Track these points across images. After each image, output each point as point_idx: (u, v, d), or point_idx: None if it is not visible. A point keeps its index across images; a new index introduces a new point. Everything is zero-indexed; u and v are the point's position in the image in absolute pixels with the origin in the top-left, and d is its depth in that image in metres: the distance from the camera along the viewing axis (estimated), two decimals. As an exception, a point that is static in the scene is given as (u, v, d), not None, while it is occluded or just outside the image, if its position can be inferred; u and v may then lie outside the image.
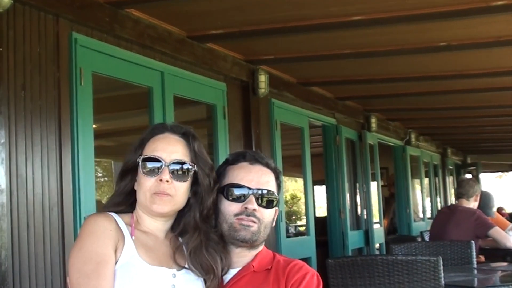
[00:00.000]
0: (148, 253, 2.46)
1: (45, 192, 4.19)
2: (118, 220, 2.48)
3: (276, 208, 2.82)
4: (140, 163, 2.51)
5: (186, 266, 2.56)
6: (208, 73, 6.33)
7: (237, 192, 2.70)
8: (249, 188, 2.70)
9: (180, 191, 2.54)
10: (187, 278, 2.53)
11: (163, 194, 2.50)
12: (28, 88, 4.14)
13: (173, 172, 2.51)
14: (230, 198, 2.70)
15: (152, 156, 2.51)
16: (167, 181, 2.49)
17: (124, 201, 2.59)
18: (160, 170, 2.49)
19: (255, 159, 2.79)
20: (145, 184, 2.50)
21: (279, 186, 2.84)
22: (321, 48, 6.69)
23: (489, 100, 10.07)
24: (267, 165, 2.81)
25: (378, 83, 8.58)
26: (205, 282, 2.57)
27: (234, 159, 2.81)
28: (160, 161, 2.50)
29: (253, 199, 2.69)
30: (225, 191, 2.72)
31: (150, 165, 2.50)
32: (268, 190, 2.74)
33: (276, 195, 2.79)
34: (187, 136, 2.61)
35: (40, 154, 4.17)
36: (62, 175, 4.33)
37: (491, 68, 7.61)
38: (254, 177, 2.74)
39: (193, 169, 2.56)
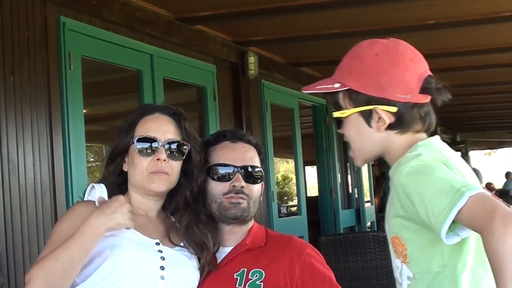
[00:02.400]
0: (139, 229, 2.49)
1: (37, 176, 4.19)
2: (104, 195, 2.50)
3: (262, 182, 2.84)
4: (135, 144, 2.53)
5: (181, 244, 2.59)
6: (198, 55, 6.33)
7: (223, 171, 2.72)
8: (235, 166, 2.72)
9: (175, 169, 2.58)
10: (180, 257, 2.55)
11: (161, 173, 2.53)
12: (17, 73, 4.12)
13: (169, 151, 2.55)
14: (217, 178, 2.72)
15: (147, 136, 2.53)
16: (164, 160, 2.52)
17: (113, 182, 2.62)
18: (156, 150, 2.52)
19: (237, 137, 2.81)
20: (141, 164, 2.52)
21: (262, 161, 2.85)
22: (310, 28, 6.69)
23: (478, 77, 10.11)
24: (249, 142, 2.83)
25: (367, 62, 8.57)
26: (199, 260, 2.60)
27: (215, 139, 2.82)
28: (156, 141, 2.53)
29: (240, 176, 2.71)
30: (211, 171, 2.73)
31: (145, 145, 2.52)
32: (254, 166, 2.76)
33: (261, 170, 2.81)
34: (177, 116, 2.65)
35: (31, 139, 4.17)
36: (54, 160, 4.34)
37: (479, 45, 7.65)
38: (238, 154, 2.75)
39: (187, 148, 2.60)
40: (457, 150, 20.30)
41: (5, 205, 3.92)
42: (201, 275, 2.59)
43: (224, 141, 2.80)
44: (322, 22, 6.44)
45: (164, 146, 2.54)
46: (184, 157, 2.61)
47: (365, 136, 2.06)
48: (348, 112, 2.05)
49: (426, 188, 1.85)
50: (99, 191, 2.49)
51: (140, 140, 2.53)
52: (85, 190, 2.59)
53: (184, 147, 2.60)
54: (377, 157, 2.14)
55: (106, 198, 2.48)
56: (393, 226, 2.00)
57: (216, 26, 6.43)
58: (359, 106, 2.03)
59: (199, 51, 6.32)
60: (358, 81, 2.02)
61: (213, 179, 2.72)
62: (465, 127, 19.65)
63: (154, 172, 2.52)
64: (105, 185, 2.56)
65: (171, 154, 2.55)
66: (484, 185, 9.89)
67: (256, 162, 2.79)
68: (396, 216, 1.97)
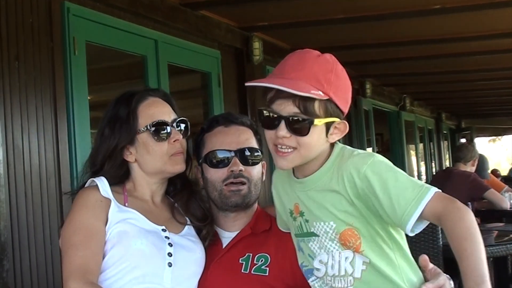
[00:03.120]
0: (145, 216, 2.50)
1: (42, 162, 4.18)
2: (107, 188, 2.50)
3: (263, 162, 2.83)
4: (151, 131, 2.52)
5: (188, 222, 2.60)
6: (202, 41, 6.31)
7: (219, 157, 2.71)
8: (230, 151, 2.70)
9: (185, 145, 2.61)
10: (187, 243, 2.55)
11: (180, 153, 2.57)
12: (21, 58, 4.10)
13: (179, 130, 2.58)
14: (214, 164, 2.71)
15: (160, 121, 2.54)
16: (178, 139, 2.55)
17: (116, 175, 2.60)
18: (170, 133, 2.54)
19: (229, 121, 2.80)
20: (161, 150, 2.53)
21: (259, 141, 2.83)
22: (315, 14, 6.65)
23: (483, 63, 10.06)
24: (242, 124, 2.81)
25: (372, 48, 8.55)
26: (201, 230, 2.64)
27: (209, 126, 2.81)
28: (167, 124, 2.55)
29: (237, 160, 2.70)
30: (207, 159, 2.72)
31: (160, 130, 2.53)
32: (250, 148, 2.75)
33: (259, 150, 2.79)
34: (166, 96, 2.67)
35: (36, 125, 4.15)
36: (59, 145, 4.32)
37: (485, 30, 7.60)
38: (233, 138, 2.74)
39: (188, 122, 2.63)
40: (462, 137, 20.29)
41: (10, 191, 3.91)
42: (204, 248, 2.61)
43: (217, 127, 2.79)
44: (328, 7, 6.40)
45: (174, 127, 2.55)
46: (189, 131, 2.63)
47: (319, 144, 2.17)
48: (323, 121, 2.12)
49: (391, 183, 2.07)
50: (101, 185, 2.48)
51: (155, 126, 2.52)
52: (84, 183, 2.58)
53: (186, 122, 2.63)
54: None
55: (109, 191, 2.47)
56: (344, 220, 2.15)
57: (220, 12, 6.40)
58: (330, 117, 2.13)
59: (203, 37, 6.30)
60: (336, 94, 2.11)
61: (211, 166, 2.72)
62: (470, 113, 19.60)
63: (174, 154, 2.54)
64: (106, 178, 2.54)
65: (181, 132, 2.59)
66: (490, 171, 9.86)
67: (253, 143, 2.77)
68: (346, 211, 2.15)
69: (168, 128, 2.54)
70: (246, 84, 2.24)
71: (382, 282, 2.17)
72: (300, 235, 2.29)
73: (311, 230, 2.22)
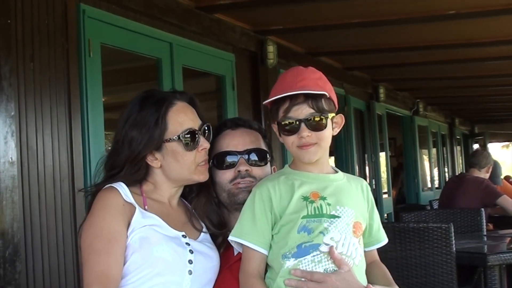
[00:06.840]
0: (164, 219, 2.48)
1: (55, 164, 4.19)
2: (127, 193, 2.46)
3: (274, 166, 2.85)
4: (183, 141, 2.49)
5: (204, 230, 2.59)
6: (217, 44, 6.31)
7: (226, 159, 2.73)
8: (237, 152, 2.72)
9: (207, 151, 2.60)
10: (205, 249, 2.54)
11: (206, 162, 2.57)
12: (37, 59, 4.12)
13: (206, 137, 2.58)
14: (222, 166, 2.72)
15: (190, 130, 2.51)
16: (205, 148, 2.56)
17: (137, 180, 2.56)
18: (198, 141, 2.52)
19: (236, 124, 2.82)
20: (190, 159, 2.52)
21: (268, 144, 2.86)
22: (330, 18, 6.65)
23: (498, 69, 10.02)
24: (250, 127, 2.84)
25: (387, 52, 8.53)
26: (217, 237, 2.63)
27: (217, 130, 2.81)
28: (195, 132, 2.52)
29: (243, 160, 2.71)
30: (215, 161, 2.73)
31: (190, 139, 2.50)
32: (257, 148, 2.76)
33: (267, 151, 2.81)
34: (193, 100, 2.64)
35: (50, 126, 4.16)
36: (73, 147, 4.33)
37: (500, 36, 7.57)
38: (239, 140, 2.75)
39: (211, 127, 2.63)
40: (475, 142, 20.20)
41: (24, 192, 3.92)
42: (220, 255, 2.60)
43: (225, 130, 2.81)
44: (342, 11, 6.39)
45: (202, 134, 2.55)
46: (211, 136, 2.63)
47: (331, 136, 2.52)
48: (331, 115, 2.48)
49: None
50: (122, 191, 2.45)
51: (186, 135, 2.50)
52: (100, 184, 2.54)
53: (209, 128, 2.62)
54: None
55: (131, 197, 2.45)
56: (361, 214, 2.52)
57: (235, 15, 6.40)
58: (332, 112, 2.48)
59: (218, 40, 6.31)
60: (331, 92, 2.47)
61: (218, 168, 2.73)
62: (483, 119, 19.52)
63: (200, 163, 2.54)
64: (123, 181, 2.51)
65: (207, 140, 2.58)
66: (503, 177, 9.81)
67: (261, 145, 2.80)
68: (364, 209, 2.56)
69: (197, 137, 2.52)
70: (264, 102, 2.50)
71: (361, 276, 2.49)
72: (316, 215, 2.41)
73: (332, 213, 2.42)
